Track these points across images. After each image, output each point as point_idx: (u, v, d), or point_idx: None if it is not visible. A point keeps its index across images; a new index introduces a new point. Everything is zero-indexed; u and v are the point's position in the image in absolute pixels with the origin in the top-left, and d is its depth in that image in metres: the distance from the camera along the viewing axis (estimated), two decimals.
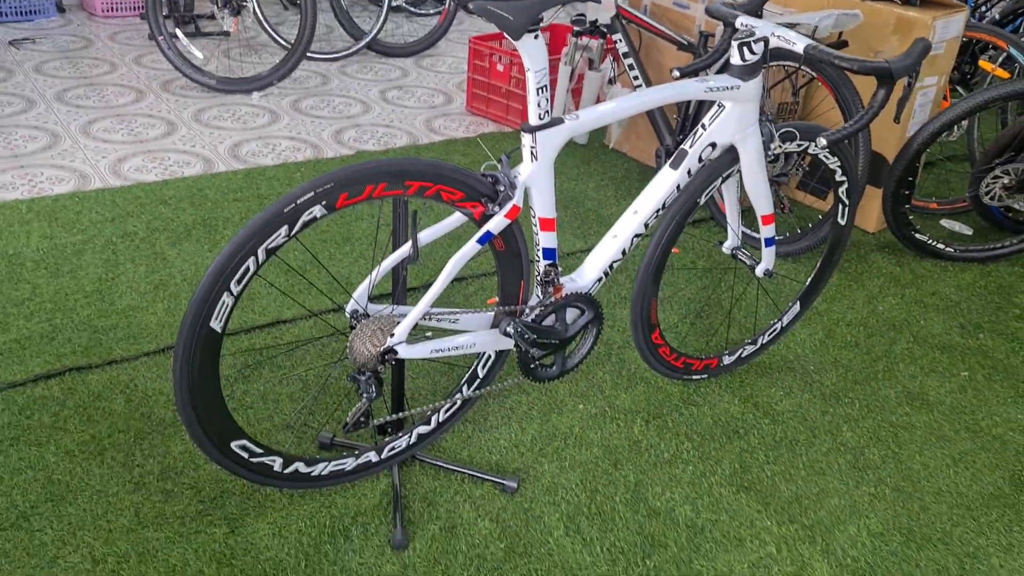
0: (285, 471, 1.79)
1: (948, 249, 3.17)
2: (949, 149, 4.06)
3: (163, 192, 3.15)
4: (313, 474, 1.84)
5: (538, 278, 1.90)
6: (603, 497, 2.02)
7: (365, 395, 1.72)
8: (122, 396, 2.15)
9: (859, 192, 2.37)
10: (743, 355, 2.49)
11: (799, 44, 1.88)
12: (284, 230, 1.51)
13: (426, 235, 1.78)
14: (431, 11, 5.66)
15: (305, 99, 4.18)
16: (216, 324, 1.52)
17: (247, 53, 4.67)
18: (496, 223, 1.73)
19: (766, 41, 1.91)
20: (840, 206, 2.40)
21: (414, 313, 1.71)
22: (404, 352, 1.73)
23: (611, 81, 3.73)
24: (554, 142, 1.75)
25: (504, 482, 1.99)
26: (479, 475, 2.01)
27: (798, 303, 2.54)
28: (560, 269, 1.93)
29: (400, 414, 1.87)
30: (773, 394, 2.42)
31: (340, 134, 3.82)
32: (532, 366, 1.95)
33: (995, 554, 1.97)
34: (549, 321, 1.94)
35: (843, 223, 2.43)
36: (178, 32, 4.10)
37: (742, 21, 1.97)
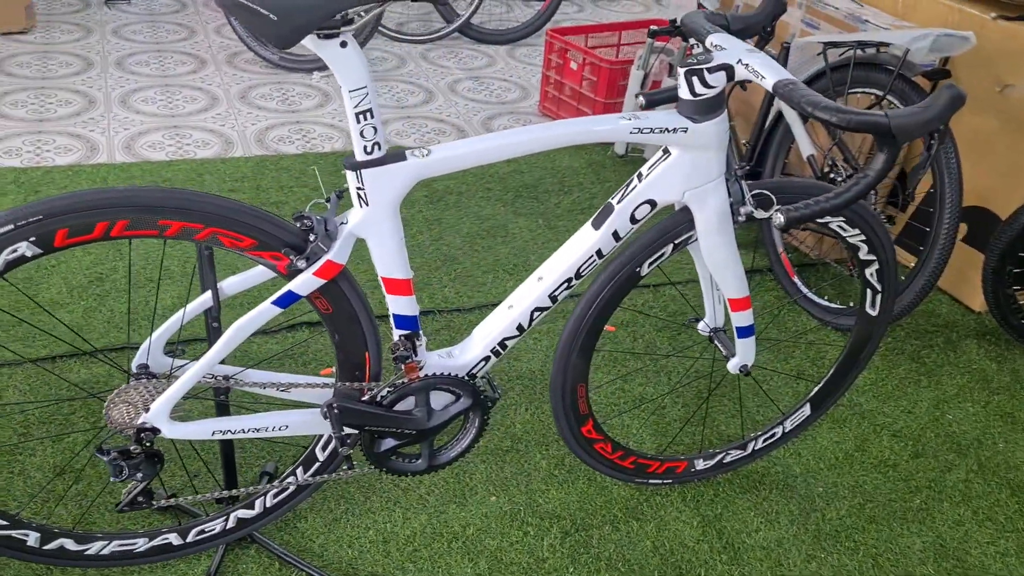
0: (45, 547, 1.48)
1: None
2: None
3: (162, 173, 2.95)
4: (88, 553, 1.52)
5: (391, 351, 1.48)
6: None
7: (113, 476, 1.37)
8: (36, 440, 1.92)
9: (896, 276, 1.78)
10: (725, 460, 1.96)
11: (769, 78, 1.34)
12: None
13: (233, 283, 1.41)
14: None
15: None
16: None
17: None
18: (303, 283, 1.33)
19: (728, 70, 1.38)
20: (869, 292, 1.81)
21: (176, 386, 1.34)
22: (169, 431, 1.37)
23: None
24: (391, 184, 1.32)
25: None
26: (317, 574, 1.63)
27: (808, 406, 1.97)
28: (423, 341, 1.50)
29: (173, 498, 1.52)
30: (749, 520, 1.88)
31: (384, 126, 3.49)
32: (381, 455, 1.55)
33: None
34: (405, 405, 1.52)
35: (874, 314, 1.84)
36: None
37: (713, 40, 1.45)
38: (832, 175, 2.46)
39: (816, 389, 1.96)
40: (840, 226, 1.68)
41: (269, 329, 2.23)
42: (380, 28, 4.34)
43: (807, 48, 2.53)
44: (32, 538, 1.46)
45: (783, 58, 2.65)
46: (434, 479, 1.88)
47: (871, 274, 1.78)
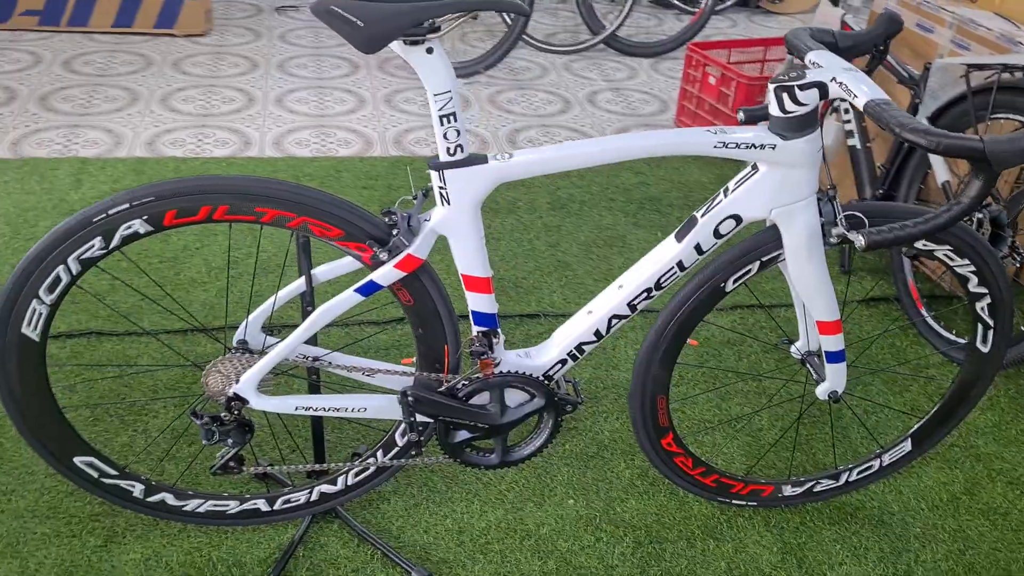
0: (148, 499, 1.63)
1: None
2: None
3: (304, 168, 3.14)
4: (186, 509, 1.66)
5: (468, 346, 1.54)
6: None
7: (204, 439, 1.49)
8: (114, 371, 2.12)
9: (1011, 312, 1.68)
10: (815, 489, 1.90)
11: (861, 97, 1.31)
12: (98, 242, 1.33)
13: (325, 271, 1.51)
14: (689, 7, 5.16)
15: (508, 91, 3.98)
16: (30, 331, 1.38)
17: (487, 37, 4.56)
18: (384, 274, 1.41)
19: (821, 88, 1.36)
20: (980, 327, 1.72)
21: (263, 361, 1.45)
22: (257, 403, 1.48)
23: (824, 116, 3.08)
24: (473, 185, 1.38)
25: (411, 571, 1.67)
26: (392, 555, 1.71)
27: (909, 441, 1.88)
28: (501, 339, 1.55)
29: (270, 467, 1.62)
30: (834, 553, 1.82)
31: (518, 133, 3.58)
32: (455, 446, 1.61)
33: None
34: (480, 399, 1.57)
35: (985, 351, 1.74)
36: None
37: (812, 58, 1.43)
38: None
39: (918, 425, 1.87)
40: (947, 255, 1.60)
41: (380, 320, 2.35)
42: (526, 38, 4.43)
43: (949, 70, 2.41)
44: (137, 489, 1.61)
45: (923, 80, 2.54)
46: (515, 477, 1.93)
47: (982, 308, 1.69)
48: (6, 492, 1.79)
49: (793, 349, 1.77)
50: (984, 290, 1.65)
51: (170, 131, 3.36)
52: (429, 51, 1.27)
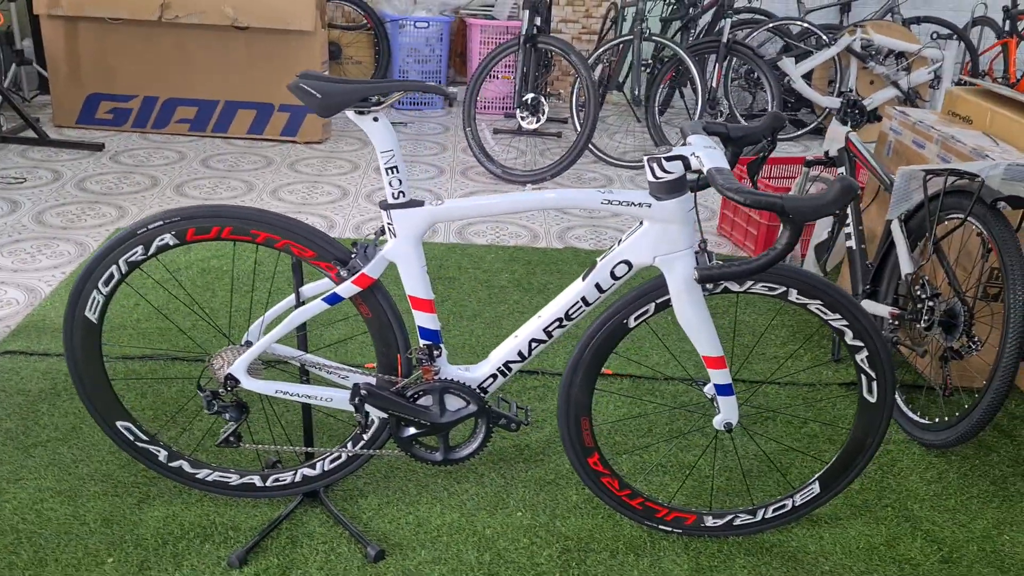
0: (170, 464, 2.08)
1: None
2: None
3: None
4: (197, 476, 2.10)
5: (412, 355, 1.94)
6: None
7: (206, 409, 1.94)
8: (176, 385, 2.63)
9: (890, 360, 1.92)
10: (735, 523, 2.14)
11: (708, 165, 1.68)
12: (140, 249, 1.83)
13: (310, 288, 1.96)
14: None
15: None
16: (91, 315, 1.89)
17: (560, 150, 5.08)
18: (344, 288, 1.85)
19: (684, 160, 1.74)
20: (864, 378, 1.98)
21: (253, 350, 1.90)
22: (246, 383, 1.92)
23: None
24: (412, 223, 1.82)
25: (367, 546, 2.03)
26: (357, 535, 2.08)
27: (817, 484, 2.11)
28: (444, 353, 1.94)
29: (271, 447, 2.04)
30: None
31: (568, 232, 4.02)
32: (405, 440, 1.99)
33: None
34: (425, 401, 1.96)
35: (872, 400, 1.99)
36: (483, 125, 4.68)
37: (690, 139, 1.82)
38: (919, 291, 2.58)
39: (824, 470, 2.10)
40: (820, 309, 1.89)
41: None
42: (598, 152, 4.93)
43: (912, 176, 2.70)
44: (162, 455, 2.07)
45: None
46: (476, 490, 2.27)
47: (862, 360, 1.95)
48: (75, 461, 2.28)
49: (706, 388, 2.07)
50: (861, 344, 1.92)
51: None
52: (375, 119, 1.74)
